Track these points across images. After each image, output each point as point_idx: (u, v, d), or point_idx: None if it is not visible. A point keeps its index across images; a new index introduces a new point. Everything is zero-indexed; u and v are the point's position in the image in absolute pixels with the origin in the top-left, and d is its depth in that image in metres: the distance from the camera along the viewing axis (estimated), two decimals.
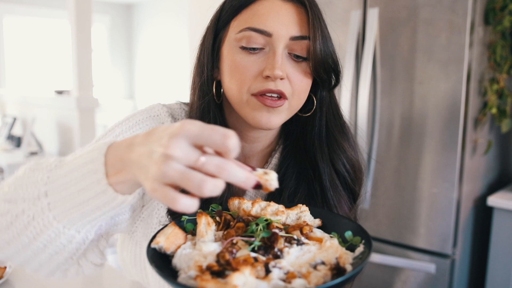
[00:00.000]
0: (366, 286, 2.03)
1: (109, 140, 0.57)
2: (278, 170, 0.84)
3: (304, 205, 0.66)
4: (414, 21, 1.79)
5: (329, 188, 0.80)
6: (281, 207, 0.65)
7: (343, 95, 1.93)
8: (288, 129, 0.85)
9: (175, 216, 0.74)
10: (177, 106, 0.86)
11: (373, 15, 1.86)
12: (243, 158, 0.85)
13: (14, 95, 4.33)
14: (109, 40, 5.99)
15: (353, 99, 1.95)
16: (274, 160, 0.85)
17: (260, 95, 0.71)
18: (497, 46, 1.86)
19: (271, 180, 0.51)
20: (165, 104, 0.85)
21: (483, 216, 1.99)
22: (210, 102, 0.78)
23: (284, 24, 0.71)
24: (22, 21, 5.13)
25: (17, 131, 4.16)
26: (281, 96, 0.71)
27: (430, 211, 1.82)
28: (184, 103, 0.87)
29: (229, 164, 0.46)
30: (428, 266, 1.84)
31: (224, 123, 0.80)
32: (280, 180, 0.80)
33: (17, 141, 3.93)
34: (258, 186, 0.50)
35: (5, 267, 1.24)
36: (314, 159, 0.81)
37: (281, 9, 0.72)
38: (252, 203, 0.65)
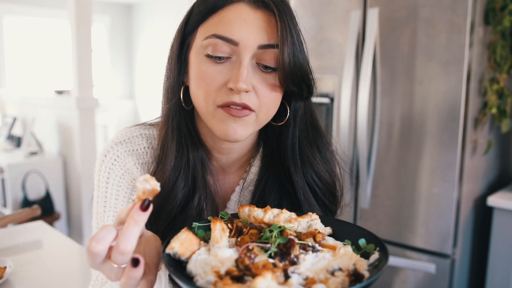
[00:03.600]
0: None
1: None
2: (259, 181, 0.82)
3: (315, 214, 0.66)
4: (414, 21, 1.79)
5: (303, 201, 0.78)
6: (293, 215, 0.65)
7: (343, 95, 1.93)
8: (264, 138, 0.83)
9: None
10: (136, 133, 0.82)
11: (373, 15, 1.86)
12: (221, 169, 0.83)
13: (14, 95, 4.33)
14: (109, 40, 5.98)
15: (353, 99, 1.95)
16: (254, 169, 0.83)
17: (226, 106, 0.68)
18: (497, 46, 1.86)
19: (147, 183, 0.53)
20: (124, 140, 0.81)
21: (483, 216, 1.99)
22: (175, 108, 0.76)
23: (251, 32, 0.67)
24: (22, 21, 5.12)
25: (17, 131, 4.16)
26: (246, 108, 0.69)
27: (430, 211, 1.82)
28: (144, 125, 0.85)
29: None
30: (428, 266, 1.84)
31: (194, 131, 0.78)
32: (263, 191, 0.80)
33: (17, 141, 3.93)
34: (148, 206, 0.53)
35: (5, 267, 1.24)
36: (288, 171, 0.79)
37: (249, 17, 0.68)
38: (264, 211, 0.65)
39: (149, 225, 0.76)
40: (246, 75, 0.67)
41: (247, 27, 0.67)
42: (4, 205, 3.59)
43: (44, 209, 3.34)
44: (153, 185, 0.52)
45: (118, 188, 0.80)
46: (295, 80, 0.70)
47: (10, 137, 3.98)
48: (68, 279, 1.30)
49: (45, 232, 1.65)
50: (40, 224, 1.72)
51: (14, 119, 4.01)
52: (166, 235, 0.64)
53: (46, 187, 3.52)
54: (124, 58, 6.16)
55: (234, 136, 0.70)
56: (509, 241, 1.85)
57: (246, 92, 0.68)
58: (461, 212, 1.79)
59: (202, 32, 0.71)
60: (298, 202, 0.78)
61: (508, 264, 1.85)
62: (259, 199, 0.80)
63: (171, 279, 0.74)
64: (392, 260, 1.92)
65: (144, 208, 0.52)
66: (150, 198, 0.52)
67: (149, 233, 0.60)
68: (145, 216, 0.52)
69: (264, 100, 0.70)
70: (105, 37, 5.95)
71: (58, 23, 5.35)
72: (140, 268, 0.52)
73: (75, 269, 1.40)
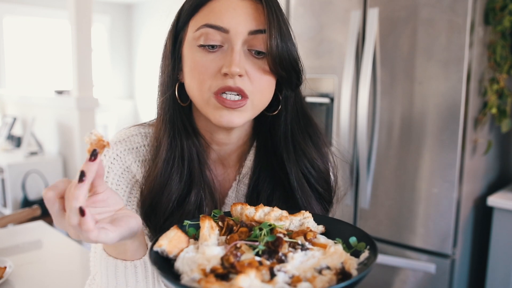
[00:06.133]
0: (366, 286, 2.03)
1: None
2: (253, 172, 0.83)
3: (307, 212, 0.66)
4: (414, 21, 1.79)
5: (297, 188, 0.79)
6: (284, 213, 0.65)
7: (343, 95, 1.93)
8: (258, 129, 0.85)
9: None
10: (135, 132, 0.84)
11: (373, 15, 1.86)
12: (220, 161, 0.85)
13: (14, 95, 4.33)
14: (109, 40, 5.98)
15: (353, 99, 1.95)
16: (248, 163, 0.84)
17: (220, 94, 0.70)
18: (497, 46, 1.86)
19: (92, 135, 0.55)
20: (123, 139, 0.83)
21: (483, 216, 1.99)
22: (168, 103, 0.78)
23: (241, 19, 0.70)
24: (22, 21, 5.12)
25: (17, 131, 4.16)
26: (241, 94, 0.70)
27: (430, 211, 1.82)
28: (143, 125, 0.86)
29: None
30: (428, 266, 1.84)
31: (190, 125, 0.79)
32: (256, 183, 0.81)
33: (17, 141, 3.93)
34: (95, 156, 0.54)
35: (5, 267, 1.24)
36: (281, 159, 0.80)
37: (238, 6, 0.71)
38: (256, 209, 0.64)
39: (148, 220, 0.76)
40: (239, 60, 0.69)
41: (236, 15, 0.70)
42: (4, 205, 3.59)
43: (44, 209, 3.33)
44: (98, 135, 0.54)
45: (117, 187, 0.80)
46: (283, 64, 0.72)
47: (10, 137, 3.98)
48: (68, 279, 1.30)
49: (45, 232, 1.65)
50: (40, 224, 1.72)
51: (14, 119, 4.01)
52: (164, 231, 0.64)
53: (46, 187, 3.52)
54: (124, 58, 6.16)
55: (229, 124, 0.72)
56: (509, 241, 1.85)
57: (240, 76, 0.70)
58: (461, 212, 1.79)
59: (193, 24, 0.73)
60: (291, 190, 0.79)
61: (508, 264, 1.85)
62: (253, 190, 0.82)
63: None
64: (392, 260, 1.92)
65: (91, 159, 0.53)
66: (98, 149, 0.54)
67: (130, 210, 0.63)
68: (93, 165, 0.53)
69: (257, 85, 0.72)
70: (105, 37, 5.95)
71: (58, 23, 5.35)
72: (87, 217, 0.52)
73: (75, 269, 1.40)
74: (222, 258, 0.51)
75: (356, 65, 1.93)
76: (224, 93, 0.70)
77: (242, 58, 0.70)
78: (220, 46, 0.71)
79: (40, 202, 3.38)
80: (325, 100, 2.05)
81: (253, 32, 0.70)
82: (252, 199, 0.81)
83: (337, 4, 1.99)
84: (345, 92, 1.92)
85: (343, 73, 1.93)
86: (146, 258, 0.67)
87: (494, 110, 1.86)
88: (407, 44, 1.81)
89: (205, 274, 0.49)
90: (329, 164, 0.85)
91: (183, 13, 0.75)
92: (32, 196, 3.50)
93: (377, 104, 1.91)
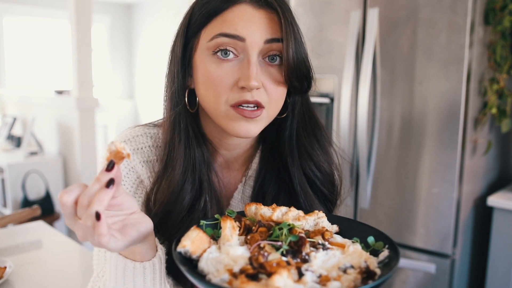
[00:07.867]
0: None
1: None
2: (258, 174, 0.83)
3: (321, 211, 0.66)
4: (414, 21, 1.79)
5: (300, 192, 0.79)
6: (301, 213, 0.65)
7: (343, 95, 1.93)
8: (265, 132, 0.84)
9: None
10: (140, 133, 0.83)
11: (373, 15, 1.86)
12: (226, 164, 0.85)
13: (14, 95, 4.33)
14: (109, 40, 5.98)
15: (353, 99, 1.95)
16: (254, 165, 0.85)
17: (238, 106, 0.69)
18: (497, 46, 1.86)
19: (112, 145, 0.55)
20: (128, 139, 0.82)
21: (483, 216, 1.99)
22: (181, 112, 0.77)
23: (256, 29, 0.69)
24: (22, 21, 5.12)
25: (17, 131, 4.16)
26: (257, 105, 0.70)
27: (430, 211, 1.82)
28: (148, 125, 0.85)
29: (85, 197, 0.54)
30: (428, 266, 1.84)
31: (199, 132, 0.79)
32: (262, 183, 0.82)
33: (17, 141, 3.93)
34: (112, 167, 0.55)
35: (5, 267, 1.24)
36: (285, 163, 0.80)
37: (253, 15, 0.70)
38: (272, 209, 0.65)
39: (158, 225, 0.76)
40: (256, 73, 0.68)
41: (252, 24, 0.69)
42: (4, 205, 3.59)
43: (44, 209, 3.33)
44: (118, 147, 0.55)
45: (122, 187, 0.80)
46: (298, 75, 0.72)
47: (10, 137, 3.98)
48: (68, 279, 1.30)
49: (45, 232, 1.65)
50: (40, 224, 1.72)
51: (14, 119, 4.01)
52: (174, 237, 0.63)
53: (46, 187, 3.52)
54: (124, 58, 6.16)
55: (247, 134, 0.72)
56: (509, 241, 1.85)
57: (257, 89, 0.69)
58: (461, 212, 1.79)
59: (207, 34, 0.71)
60: (295, 193, 0.80)
61: (508, 264, 1.85)
62: (259, 191, 0.82)
63: (174, 275, 0.75)
64: None
65: (108, 169, 0.54)
66: (115, 160, 0.55)
67: (143, 214, 0.62)
68: (107, 175, 0.54)
69: (273, 96, 0.72)
70: (105, 37, 5.95)
71: (58, 23, 5.35)
72: (102, 223, 0.52)
73: (75, 269, 1.40)
74: (250, 258, 0.51)
75: (356, 65, 1.93)
76: (241, 105, 0.69)
77: (259, 70, 0.69)
78: (236, 56, 0.70)
79: (40, 202, 3.38)
80: (325, 100, 2.05)
81: (269, 41, 0.69)
82: (258, 200, 0.81)
83: (337, 4, 1.99)
84: (345, 92, 1.92)
85: (343, 73, 1.93)
86: (155, 260, 0.67)
87: (494, 110, 1.86)
88: (407, 44, 1.81)
89: (233, 275, 0.49)
90: (334, 165, 0.85)
91: (194, 21, 0.73)
92: (32, 196, 3.50)
93: (377, 104, 1.91)
